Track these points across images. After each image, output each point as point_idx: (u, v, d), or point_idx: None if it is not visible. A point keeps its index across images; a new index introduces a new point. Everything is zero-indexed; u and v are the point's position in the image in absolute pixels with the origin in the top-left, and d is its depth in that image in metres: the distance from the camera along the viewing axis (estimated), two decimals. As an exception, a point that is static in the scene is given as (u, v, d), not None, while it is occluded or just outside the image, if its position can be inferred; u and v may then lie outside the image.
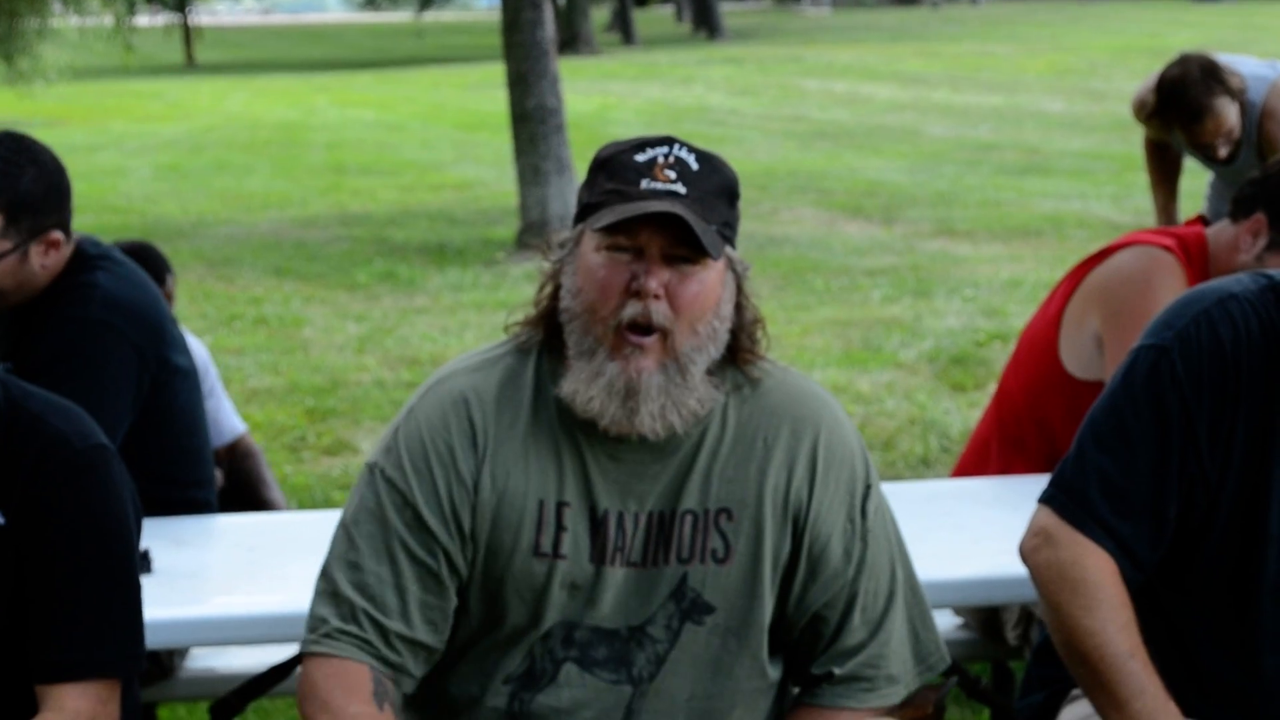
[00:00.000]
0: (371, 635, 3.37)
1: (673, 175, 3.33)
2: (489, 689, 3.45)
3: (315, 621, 3.38)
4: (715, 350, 3.38)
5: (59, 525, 3.54)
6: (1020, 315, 8.62)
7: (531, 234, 15.68)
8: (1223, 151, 7.72)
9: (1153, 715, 3.50)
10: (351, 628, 3.36)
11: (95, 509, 3.58)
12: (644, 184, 3.30)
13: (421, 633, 3.41)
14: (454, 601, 3.43)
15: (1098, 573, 3.63)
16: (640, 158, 3.34)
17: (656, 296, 3.27)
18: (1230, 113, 7.61)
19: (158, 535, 4.45)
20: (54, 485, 3.54)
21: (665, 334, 3.30)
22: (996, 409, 5.52)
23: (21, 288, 4.71)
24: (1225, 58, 7.85)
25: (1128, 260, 5.24)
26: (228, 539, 5.01)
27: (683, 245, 3.24)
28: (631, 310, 3.26)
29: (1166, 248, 5.18)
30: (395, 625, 3.38)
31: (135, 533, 3.70)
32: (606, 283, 3.29)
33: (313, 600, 3.42)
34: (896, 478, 7.06)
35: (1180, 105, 7.67)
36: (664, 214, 3.21)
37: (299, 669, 3.54)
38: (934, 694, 3.64)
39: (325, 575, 3.45)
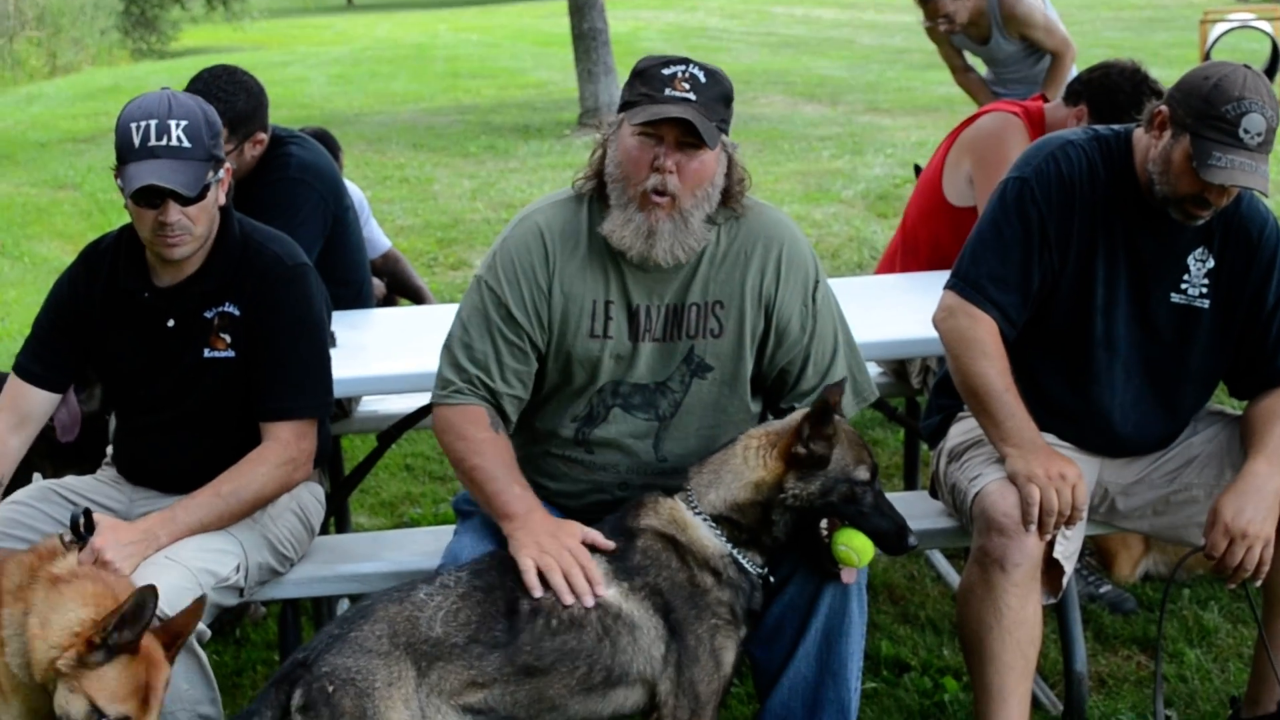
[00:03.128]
0: (481, 391, 4.12)
1: (687, 86, 3.90)
2: (561, 425, 4.22)
3: (443, 382, 4.16)
4: (710, 205, 4.06)
5: (277, 315, 4.24)
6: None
7: (588, 117, 18.93)
8: (943, 27, 8.43)
9: (1018, 429, 4.22)
10: (467, 387, 4.12)
11: (300, 305, 4.29)
12: (667, 91, 3.97)
13: (514, 389, 4.14)
14: (535, 367, 4.16)
15: (985, 333, 4.22)
16: (666, 72, 3.92)
17: (670, 171, 3.96)
18: (946, 3, 8.26)
19: (338, 322, 5.31)
20: (272, 288, 4.25)
21: (674, 198, 3.98)
22: (901, 229, 6.26)
23: (240, 171, 5.52)
24: None
25: (989, 122, 6.01)
26: (384, 324, 5.92)
27: (690, 136, 3.94)
28: (654, 180, 3.96)
29: (1015, 114, 5.93)
30: (496, 384, 4.12)
31: (326, 321, 4.36)
32: (638, 159, 3.98)
33: (439, 369, 4.18)
34: (839, 276, 7.68)
35: None
36: (679, 117, 3.93)
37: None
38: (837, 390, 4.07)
39: (448, 350, 4.03)
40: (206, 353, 4.34)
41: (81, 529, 4.01)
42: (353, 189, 6.32)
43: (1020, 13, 8.28)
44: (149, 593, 3.66)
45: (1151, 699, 4.78)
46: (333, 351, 5.00)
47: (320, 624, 4.95)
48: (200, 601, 3.88)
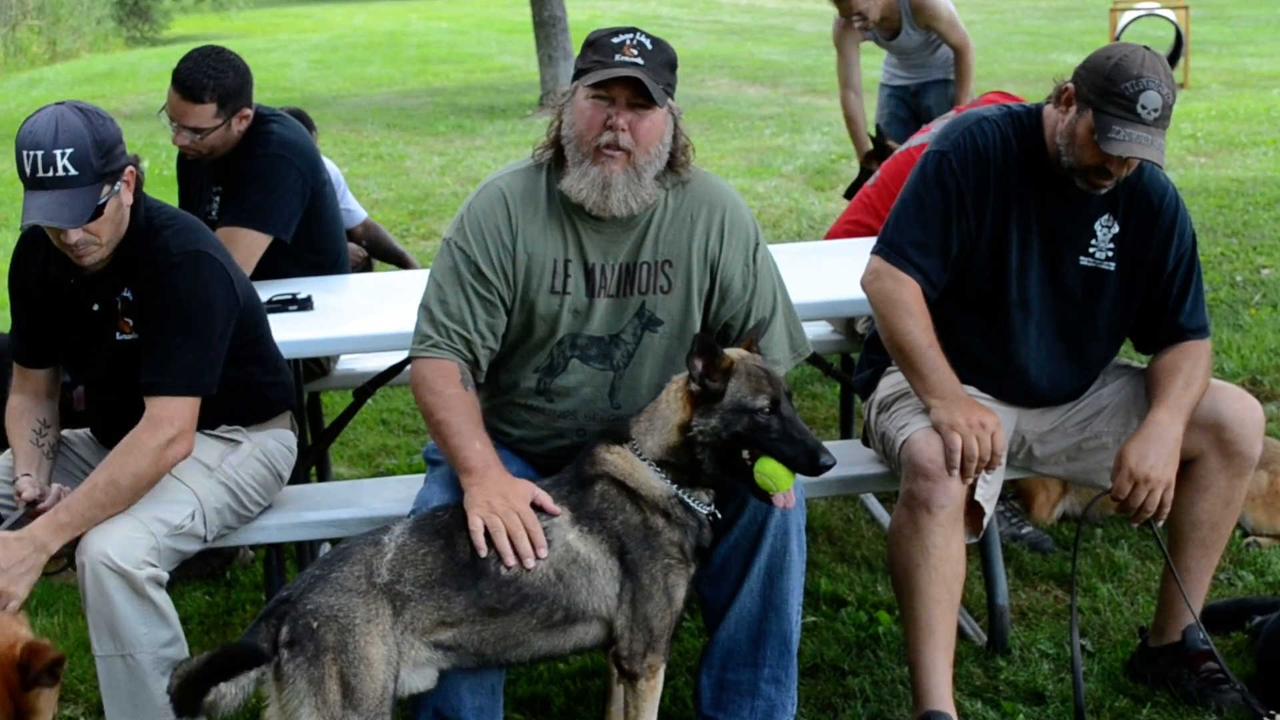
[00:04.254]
0: (458, 344, 4.09)
1: (635, 53, 3.88)
2: (524, 376, 4.22)
3: (420, 337, 4.13)
4: (660, 163, 4.06)
5: (158, 297, 4.17)
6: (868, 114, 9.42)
7: (548, 99, 17.13)
8: (857, 24, 8.56)
9: (941, 382, 4.26)
10: (444, 340, 4.09)
11: (180, 288, 4.17)
12: (617, 57, 3.82)
13: (487, 340, 4.12)
14: (504, 320, 4.14)
15: (909, 294, 4.25)
16: (615, 40, 3.90)
17: (623, 129, 3.96)
18: (860, 0, 8.38)
19: (316, 287, 5.45)
20: (157, 273, 4.17)
21: (628, 153, 3.98)
22: (874, 190, 6.09)
23: (226, 144, 5.58)
24: None
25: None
26: (358, 288, 5.87)
27: (640, 96, 3.95)
28: (607, 137, 3.97)
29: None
30: (471, 336, 4.09)
31: (223, 309, 4.21)
32: (591, 118, 3.98)
33: (416, 324, 4.15)
34: (780, 243, 7.54)
35: None
36: (629, 77, 3.92)
37: (408, 369, 4.22)
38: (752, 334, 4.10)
39: (424, 308, 4.00)
40: (118, 335, 4.27)
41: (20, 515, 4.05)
42: (330, 165, 6.29)
43: (931, 7, 8.45)
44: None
45: (1068, 630, 4.82)
46: (309, 314, 5.10)
47: (303, 566, 4.96)
48: (34, 651, 3.82)
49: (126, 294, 4.24)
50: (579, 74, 4.04)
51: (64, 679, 3.83)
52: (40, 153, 4.01)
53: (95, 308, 4.27)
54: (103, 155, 4.05)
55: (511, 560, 3.75)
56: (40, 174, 4.01)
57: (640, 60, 3.95)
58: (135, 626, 3.98)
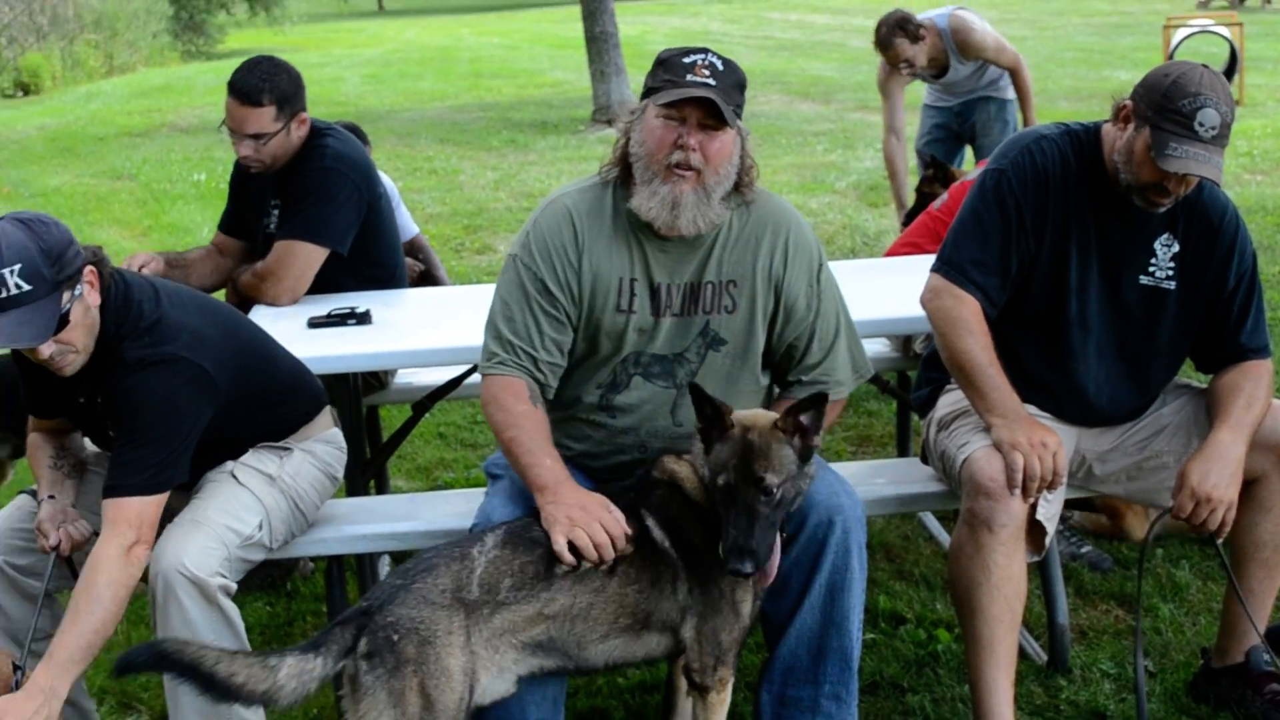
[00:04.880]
0: (525, 361, 4.11)
1: (707, 73, 3.88)
2: (586, 391, 4.22)
3: (488, 354, 4.14)
4: (728, 184, 4.05)
5: (118, 404, 4.13)
6: (909, 159, 9.42)
7: (600, 113, 19.13)
8: (905, 71, 8.77)
9: (1002, 400, 4.24)
10: (512, 357, 4.11)
11: (135, 394, 4.09)
12: (689, 77, 3.81)
13: (554, 357, 4.13)
14: (571, 336, 4.15)
15: (969, 312, 4.24)
16: (687, 60, 3.92)
17: (693, 149, 3.96)
18: (905, 48, 8.59)
19: (374, 301, 5.45)
20: (118, 382, 4.13)
21: (698, 173, 3.98)
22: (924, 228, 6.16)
23: (286, 152, 5.63)
24: (922, 14, 8.73)
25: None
26: (417, 303, 5.87)
27: (711, 117, 3.95)
28: (677, 156, 3.96)
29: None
30: (538, 353, 4.11)
31: (190, 409, 4.12)
32: (662, 137, 3.98)
33: (484, 341, 4.16)
34: (834, 260, 7.46)
35: (877, 43, 8.76)
36: (702, 97, 3.93)
37: (466, 382, 4.33)
38: (837, 408, 4.23)
39: (491, 325, 4.01)
40: (110, 432, 4.22)
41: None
42: (385, 180, 6.32)
43: (975, 40, 8.60)
44: None
45: (1130, 650, 4.82)
46: (368, 328, 5.13)
47: (364, 578, 5.01)
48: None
49: (98, 400, 4.19)
50: (649, 91, 4.04)
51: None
52: None
53: (82, 401, 4.24)
54: (53, 263, 3.90)
55: (599, 563, 3.79)
56: None
57: (712, 81, 3.96)
58: (204, 635, 3.99)
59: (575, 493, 3.91)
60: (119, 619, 4.02)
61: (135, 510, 4.02)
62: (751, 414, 3.88)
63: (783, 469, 3.77)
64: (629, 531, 3.83)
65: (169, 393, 4.08)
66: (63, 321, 3.94)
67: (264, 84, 5.52)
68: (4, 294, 3.84)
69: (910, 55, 8.55)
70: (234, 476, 4.34)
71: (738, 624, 3.90)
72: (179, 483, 4.15)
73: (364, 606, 3.72)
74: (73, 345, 4.01)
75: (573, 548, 3.76)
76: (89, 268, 4.03)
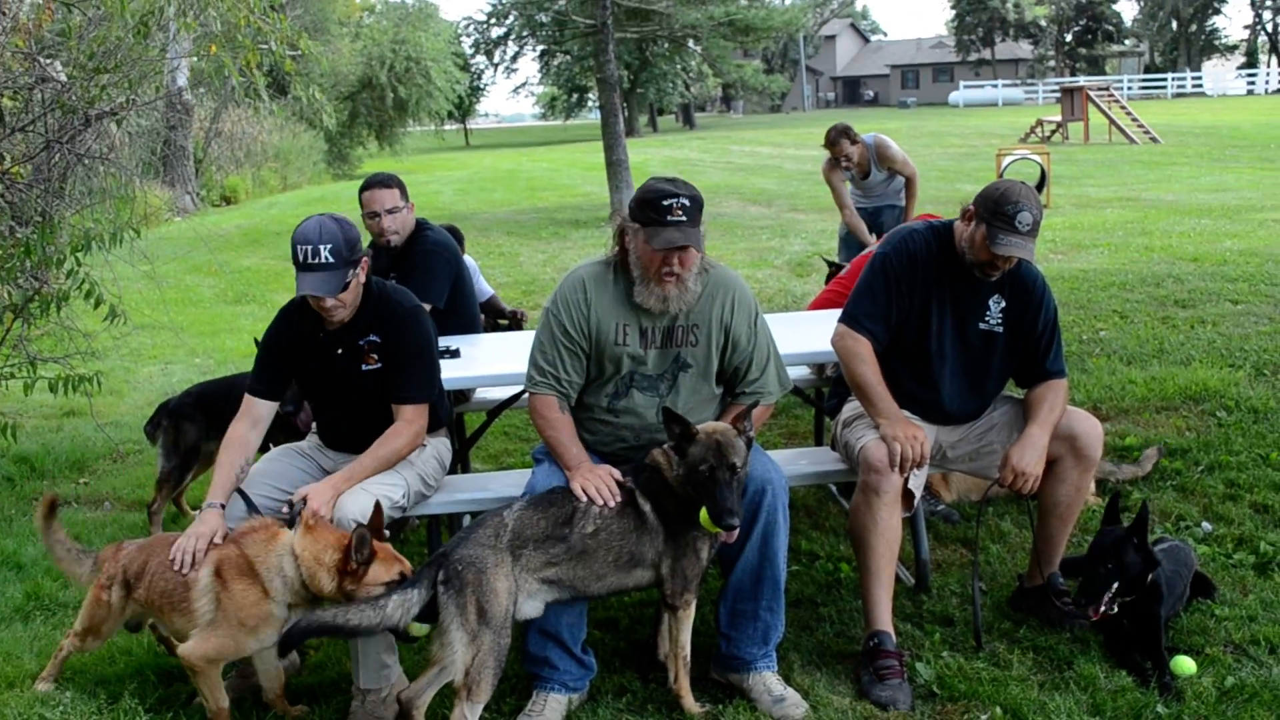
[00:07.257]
0: (554, 383, 4.10)
1: (681, 213, 3.75)
2: (598, 399, 4.18)
3: (530, 378, 4.15)
4: (696, 272, 3.97)
5: (401, 337, 4.10)
6: (825, 247, 9.25)
7: (615, 215, 16.80)
8: (844, 164, 8.48)
9: (887, 408, 4.20)
10: (545, 381, 4.11)
11: (414, 331, 4.14)
12: (668, 218, 3.72)
13: (574, 380, 4.12)
14: (584, 365, 4.12)
15: (864, 349, 4.16)
16: (665, 203, 3.77)
17: (675, 264, 3.90)
18: (846, 146, 8.42)
19: (461, 342, 5.49)
20: (398, 321, 4.10)
21: (679, 277, 3.95)
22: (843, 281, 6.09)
23: (405, 229, 5.67)
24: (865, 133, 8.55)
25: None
26: (488, 343, 5.76)
27: (688, 247, 3.88)
28: (665, 269, 3.91)
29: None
30: (562, 376, 4.11)
31: (434, 341, 4.32)
32: (654, 258, 3.91)
33: (528, 369, 4.17)
34: (771, 313, 7.47)
35: (828, 139, 8.52)
36: (684, 244, 3.85)
37: (523, 398, 4.20)
38: (766, 412, 4.14)
39: (531, 357, 3.97)
40: (364, 368, 4.22)
41: (295, 513, 3.94)
42: (469, 259, 6.28)
43: (890, 153, 8.50)
44: (363, 530, 3.68)
45: (970, 576, 4.78)
46: (455, 361, 5.04)
47: (453, 531, 4.95)
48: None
49: (373, 338, 4.20)
50: (638, 217, 3.92)
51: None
52: (310, 246, 4.02)
53: (340, 351, 4.23)
54: (349, 249, 4.06)
55: (600, 503, 3.79)
56: (309, 261, 4.02)
57: (684, 218, 3.85)
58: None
59: (591, 467, 3.94)
60: (389, 467, 4.15)
61: (417, 412, 4.19)
62: (711, 424, 3.84)
63: (742, 455, 3.75)
64: (621, 483, 3.85)
65: (427, 330, 4.24)
66: (345, 287, 4.06)
67: (390, 178, 5.64)
68: (318, 260, 4.01)
69: (849, 153, 8.42)
70: None
71: (698, 563, 3.86)
72: (434, 400, 4.26)
73: (442, 551, 3.71)
74: (344, 304, 4.12)
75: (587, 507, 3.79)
76: (364, 259, 4.16)
